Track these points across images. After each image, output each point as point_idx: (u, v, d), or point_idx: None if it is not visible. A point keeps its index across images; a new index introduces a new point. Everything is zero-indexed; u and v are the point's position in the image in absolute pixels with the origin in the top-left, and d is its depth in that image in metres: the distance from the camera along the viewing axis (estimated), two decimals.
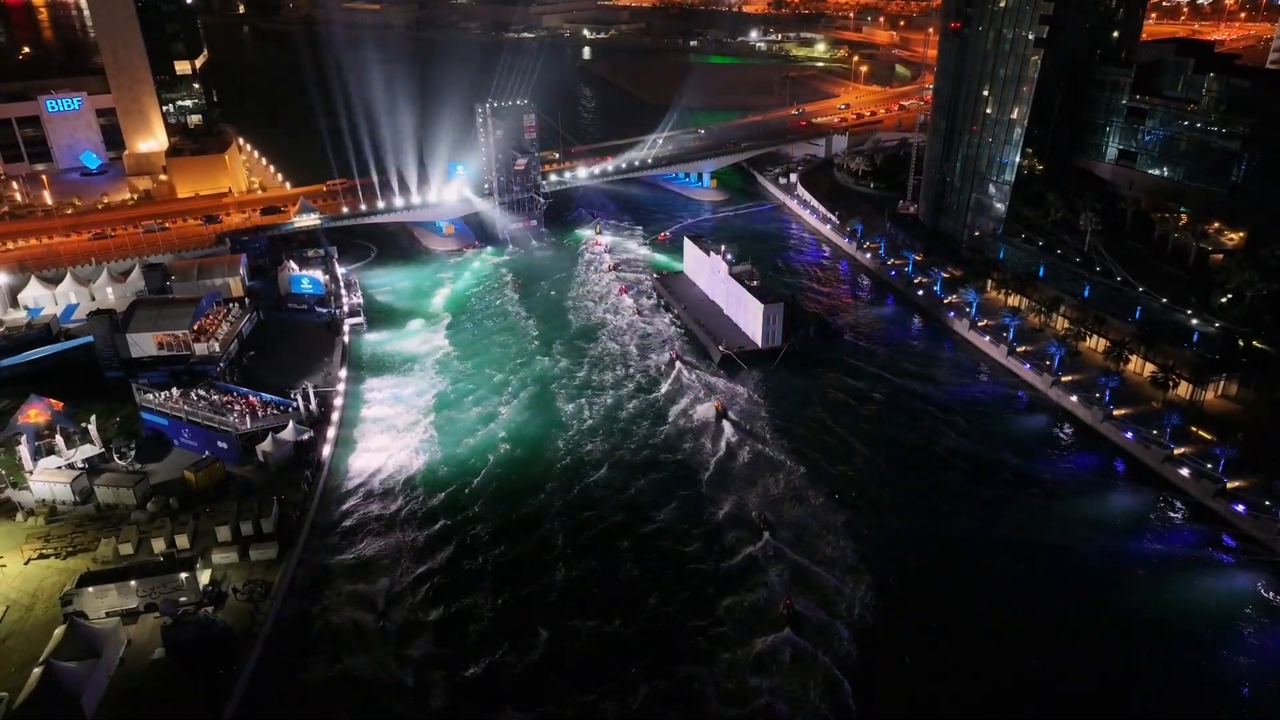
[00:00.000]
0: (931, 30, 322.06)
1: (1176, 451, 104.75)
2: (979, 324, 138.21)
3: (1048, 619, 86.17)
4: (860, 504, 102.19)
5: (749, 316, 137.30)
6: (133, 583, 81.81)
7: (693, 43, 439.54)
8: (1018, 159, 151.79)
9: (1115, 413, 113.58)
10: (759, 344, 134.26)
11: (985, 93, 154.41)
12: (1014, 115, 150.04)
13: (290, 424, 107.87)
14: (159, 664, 77.10)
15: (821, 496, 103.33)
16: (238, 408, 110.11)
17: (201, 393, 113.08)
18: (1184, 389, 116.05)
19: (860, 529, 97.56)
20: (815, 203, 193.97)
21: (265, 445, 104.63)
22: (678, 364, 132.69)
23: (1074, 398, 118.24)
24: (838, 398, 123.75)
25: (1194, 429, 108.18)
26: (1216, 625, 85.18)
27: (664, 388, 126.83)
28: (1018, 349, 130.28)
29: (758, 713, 75.11)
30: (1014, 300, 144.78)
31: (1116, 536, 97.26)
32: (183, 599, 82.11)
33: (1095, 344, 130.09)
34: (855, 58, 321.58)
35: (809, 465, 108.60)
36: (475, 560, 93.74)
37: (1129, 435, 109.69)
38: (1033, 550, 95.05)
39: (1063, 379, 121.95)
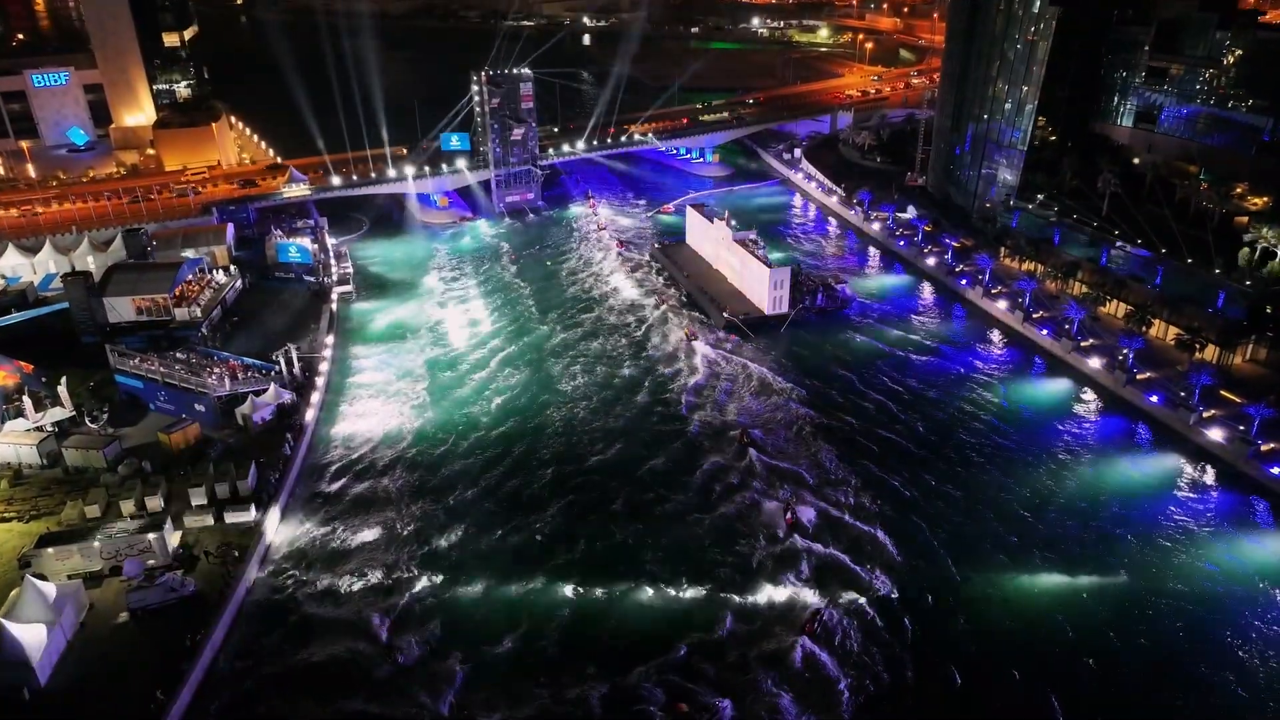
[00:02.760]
0: (937, 16, 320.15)
1: (1206, 414, 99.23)
2: (993, 291, 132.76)
3: (1066, 581, 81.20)
4: (859, 441, 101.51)
5: (754, 282, 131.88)
6: (96, 544, 76.49)
7: (694, 29, 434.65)
8: (1032, 123, 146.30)
9: (1139, 376, 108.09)
10: (765, 310, 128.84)
11: (998, 56, 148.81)
12: (1029, 78, 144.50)
13: (272, 387, 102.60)
14: (122, 628, 71.88)
15: (816, 431, 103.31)
16: (217, 371, 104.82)
17: (180, 356, 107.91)
18: (1210, 353, 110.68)
19: (860, 467, 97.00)
20: (821, 176, 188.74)
21: (245, 408, 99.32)
22: (664, 309, 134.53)
23: (1095, 362, 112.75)
24: (845, 359, 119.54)
25: (1222, 393, 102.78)
26: (1253, 590, 79.75)
27: (655, 338, 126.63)
28: (1034, 315, 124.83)
29: (808, 619, 74.89)
30: (1028, 267, 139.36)
31: (1143, 500, 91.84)
32: (150, 561, 76.81)
33: (1115, 309, 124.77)
34: (860, 36, 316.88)
35: (808, 405, 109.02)
36: (466, 525, 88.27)
37: (1154, 399, 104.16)
38: (1053, 512, 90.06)
39: (1082, 344, 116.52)
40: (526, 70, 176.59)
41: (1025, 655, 73.34)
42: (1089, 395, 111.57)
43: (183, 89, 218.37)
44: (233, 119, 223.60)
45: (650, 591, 79.34)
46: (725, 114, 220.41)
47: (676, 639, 73.67)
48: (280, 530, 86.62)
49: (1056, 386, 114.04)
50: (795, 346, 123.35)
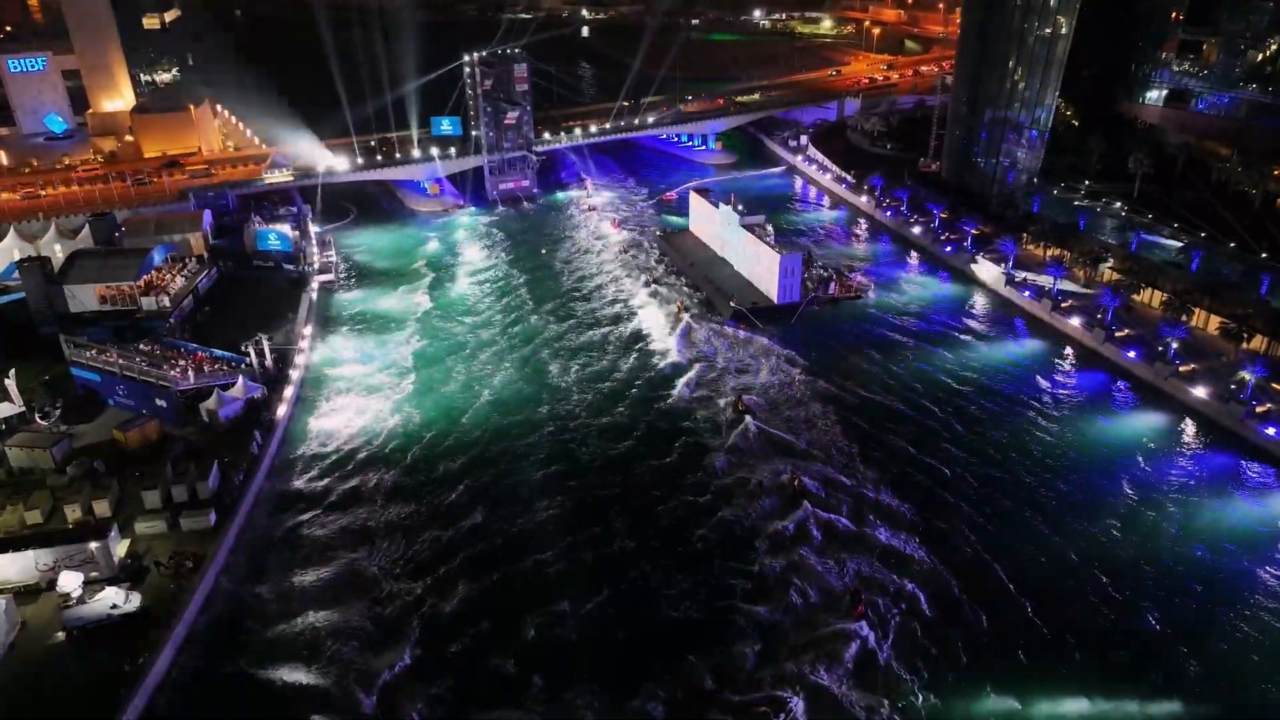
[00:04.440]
0: (942, 7, 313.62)
1: (1260, 409, 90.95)
2: (1017, 279, 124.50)
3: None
4: (868, 416, 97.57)
5: (763, 270, 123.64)
6: (31, 553, 68.17)
7: (694, 21, 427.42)
8: (1054, 104, 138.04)
9: (1182, 369, 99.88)
10: (775, 300, 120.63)
11: (1018, 34, 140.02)
12: (1051, 56, 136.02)
13: (240, 380, 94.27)
14: (57, 649, 63.55)
15: (822, 405, 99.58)
16: (181, 363, 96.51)
17: (144, 347, 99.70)
18: (1258, 343, 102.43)
19: (859, 431, 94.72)
20: (829, 163, 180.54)
21: (210, 403, 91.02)
22: (654, 286, 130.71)
23: (1132, 353, 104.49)
24: (860, 348, 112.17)
25: (1275, 385, 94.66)
26: None
27: (649, 321, 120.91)
28: (1063, 304, 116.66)
29: (851, 600, 70.83)
30: (1053, 253, 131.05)
31: (1193, 502, 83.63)
32: (92, 573, 68.50)
33: (1147, 297, 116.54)
34: (867, 22, 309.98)
35: (810, 376, 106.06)
36: (450, 529, 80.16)
37: (1200, 392, 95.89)
38: (1093, 513, 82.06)
39: (1117, 334, 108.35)
40: (520, 52, 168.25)
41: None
42: (1124, 387, 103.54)
43: (165, 76, 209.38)
44: (218, 106, 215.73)
45: (673, 598, 72.38)
46: (757, 95, 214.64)
47: (721, 645, 67.28)
48: (244, 537, 78.25)
49: (1088, 378, 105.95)
50: (806, 336, 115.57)
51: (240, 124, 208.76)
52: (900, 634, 68.37)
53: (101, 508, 76.46)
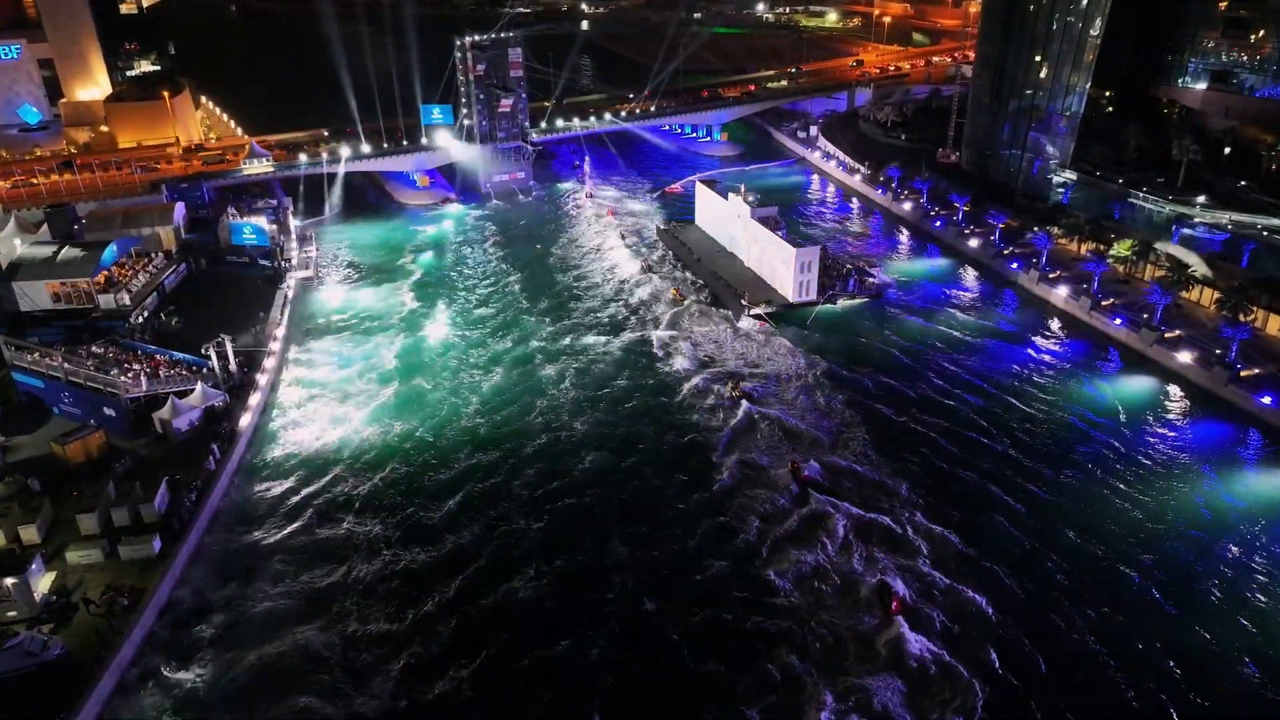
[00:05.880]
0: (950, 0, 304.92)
1: None
2: (1050, 275, 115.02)
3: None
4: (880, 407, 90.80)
5: (777, 266, 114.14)
6: None
7: (696, 15, 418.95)
8: (1087, 87, 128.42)
9: (1243, 373, 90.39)
10: (790, 297, 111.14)
11: (1046, 14, 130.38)
12: (1083, 36, 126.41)
13: (199, 387, 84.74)
14: None
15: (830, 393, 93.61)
16: (135, 367, 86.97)
17: (96, 350, 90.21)
18: None
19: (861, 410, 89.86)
20: (841, 155, 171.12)
21: (163, 412, 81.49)
22: (650, 275, 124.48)
23: (1185, 356, 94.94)
24: (881, 349, 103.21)
25: None
26: None
27: (648, 316, 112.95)
28: (1103, 302, 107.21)
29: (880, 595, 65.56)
30: (1088, 247, 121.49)
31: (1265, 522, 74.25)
32: (10, 614, 58.96)
33: (1199, 294, 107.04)
34: (876, 12, 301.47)
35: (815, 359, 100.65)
36: (435, 553, 70.83)
37: (1268, 401, 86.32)
38: (1146, 534, 72.73)
39: (1166, 335, 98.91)
40: (515, 36, 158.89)
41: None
42: (1176, 393, 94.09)
43: (143, 65, 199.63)
44: (203, 98, 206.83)
45: (690, 625, 64.24)
46: (784, 82, 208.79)
47: (761, 660, 60.69)
48: (193, 567, 68.67)
49: (1135, 384, 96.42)
50: (822, 333, 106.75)
51: (225, 115, 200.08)
52: (944, 631, 62.55)
53: (29, 533, 66.88)
